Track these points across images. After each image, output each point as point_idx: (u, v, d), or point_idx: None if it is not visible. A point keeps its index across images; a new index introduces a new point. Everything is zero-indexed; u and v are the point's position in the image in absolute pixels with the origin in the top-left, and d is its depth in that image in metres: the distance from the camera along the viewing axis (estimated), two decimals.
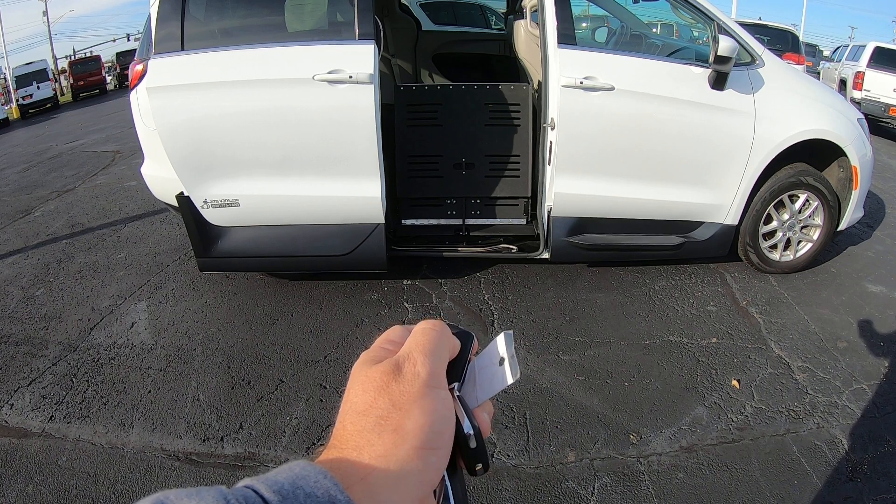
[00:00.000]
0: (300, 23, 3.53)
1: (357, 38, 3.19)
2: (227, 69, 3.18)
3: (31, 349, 3.46)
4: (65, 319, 3.75)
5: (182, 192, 3.40)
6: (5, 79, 25.58)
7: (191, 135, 3.24)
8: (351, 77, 3.12)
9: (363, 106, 3.17)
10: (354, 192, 3.37)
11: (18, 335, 3.62)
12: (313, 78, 3.13)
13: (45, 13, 33.26)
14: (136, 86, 3.71)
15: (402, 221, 3.90)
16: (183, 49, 3.21)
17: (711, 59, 3.29)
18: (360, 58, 3.15)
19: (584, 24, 6.69)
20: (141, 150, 3.89)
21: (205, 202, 3.41)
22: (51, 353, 3.40)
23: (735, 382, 2.92)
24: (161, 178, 3.89)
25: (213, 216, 3.47)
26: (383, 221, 3.46)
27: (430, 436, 0.43)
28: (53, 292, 4.16)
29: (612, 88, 3.30)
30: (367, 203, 3.39)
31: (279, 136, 3.26)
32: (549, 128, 3.42)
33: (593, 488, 2.35)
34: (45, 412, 2.91)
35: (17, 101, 23.14)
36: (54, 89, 25.24)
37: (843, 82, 12.13)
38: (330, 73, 3.13)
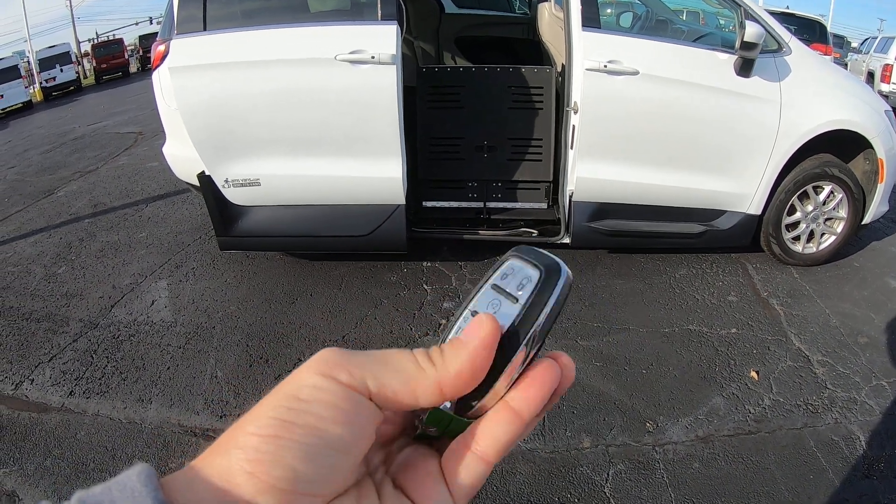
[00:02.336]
0: (322, 3, 3.53)
1: (379, 18, 3.18)
2: (249, 49, 3.19)
3: (52, 326, 3.51)
4: (86, 297, 3.80)
5: (203, 172, 3.42)
6: (29, 62, 25.83)
7: (212, 114, 3.25)
8: (373, 57, 3.11)
9: (385, 86, 3.16)
10: (375, 172, 3.36)
11: (40, 312, 3.67)
12: (335, 58, 3.12)
13: None
14: (158, 66, 3.73)
15: (423, 203, 3.90)
16: (205, 29, 3.21)
17: (737, 44, 3.24)
18: (383, 38, 3.14)
19: (608, 10, 6.61)
20: (163, 129, 3.92)
21: (226, 181, 3.42)
22: (72, 329, 3.45)
23: (754, 374, 2.89)
24: (183, 157, 3.92)
25: (233, 195, 3.48)
26: (404, 202, 3.46)
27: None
28: (75, 270, 4.21)
29: (637, 73, 3.26)
30: (388, 184, 3.39)
31: (300, 115, 3.25)
32: (572, 111, 3.39)
33: (608, 475, 2.34)
34: (64, 387, 2.95)
35: (41, 83, 23.36)
36: (77, 72, 25.44)
37: (870, 74, 11.91)
38: (352, 53, 3.12)
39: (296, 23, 3.30)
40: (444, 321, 3.33)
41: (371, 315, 3.40)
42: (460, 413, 0.36)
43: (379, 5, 3.19)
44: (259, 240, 3.65)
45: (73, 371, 3.07)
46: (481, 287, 0.37)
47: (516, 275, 0.36)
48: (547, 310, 0.34)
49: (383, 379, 0.34)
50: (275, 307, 3.52)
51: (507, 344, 0.34)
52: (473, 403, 0.35)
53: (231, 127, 3.29)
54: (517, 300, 0.35)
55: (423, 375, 0.34)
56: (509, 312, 0.34)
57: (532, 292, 0.34)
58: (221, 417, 2.67)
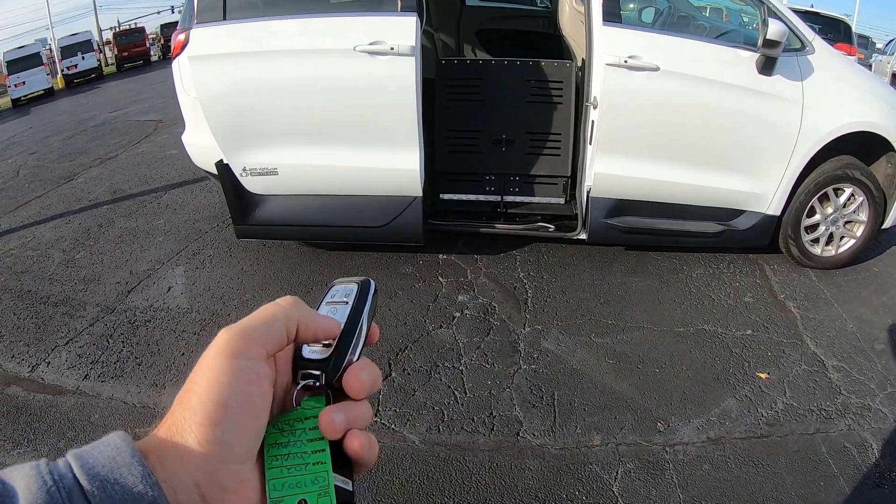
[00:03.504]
0: None
1: (399, 9, 3.18)
2: (269, 39, 3.20)
3: (69, 310, 3.56)
4: (103, 282, 3.85)
5: (221, 160, 3.44)
6: (51, 49, 26.05)
7: (231, 103, 3.27)
8: (392, 49, 3.12)
9: (404, 78, 3.17)
10: (393, 163, 3.37)
11: (58, 296, 3.72)
12: (354, 49, 3.13)
13: None
14: (178, 55, 3.75)
15: (440, 196, 3.89)
16: (225, 18, 3.23)
17: (760, 42, 3.20)
18: (402, 30, 3.14)
19: (631, 6, 6.54)
20: (182, 118, 3.94)
21: (244, 170, 3.45)
22: (88, 314, 3.49)
23: (763, 375, 2.87)
24: (201, 146, 3.93)
25: (251, 184, 3.50)
26: (421, 194, 3.46)
27: (213, 410, 0.39)
28: (93, 256, 4.26)
29: (657, 69, 3.23)
30: (406, 175, 3.39)
31: (319, 106, 3.27)
32: (592, 106, 3.37)
33: (617, 473, 2.34)
34: (80, 371, 2.99)
35: (63, 71, 23.57)
36: (99, 60, 25.62)
37: (894, 76, 11.75)
38: (371, 44, 3.12)
39: (315, 13, 3.32)
40: (458, 314, 3.34)
41: (385, 306, 3.40)
42: (330, 379, 0.46)
43: None
44: (275, 228, 3.67)
45: (89, 355, 3.11)
46: (318, 308, 0.50)
47: (341, 292, 0.51)
48: (368, 301, 0.50)
49: (271, 336, 0.43)
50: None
51: (350, 325, 0.47)
52: (338, 365, 0.46)
53: (250, 116, 3.31)
54: (347, 303, 0.49)
55: (290, 319, 0.45)
56: (345, 310, 0.49)
57: (355, 295, 0.50)
58: None
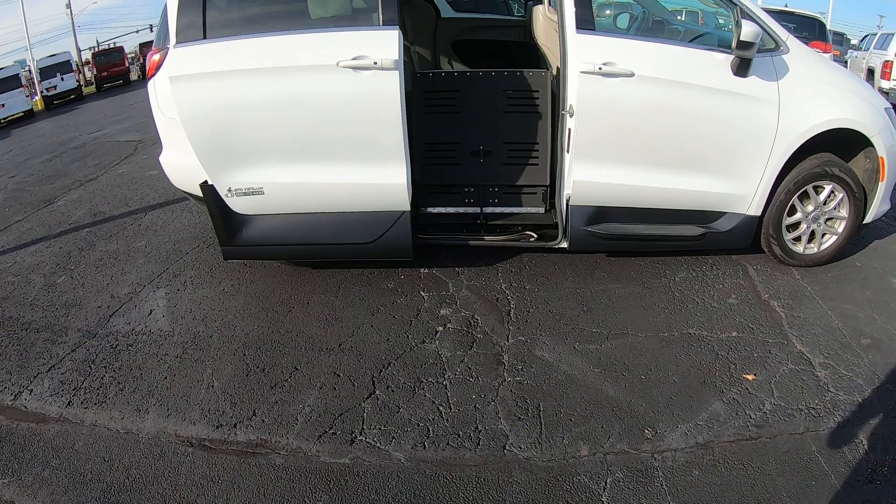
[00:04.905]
0: (323, 9, 3.51)
1: (381, 23, 3.17)
2: (250, 57, 3.18)
3: (51, 336, 3.51)
4: (85, 307, 3.80)
5: (206, 181, 3.41)
6: (30, 71, 25.94)
7: (214, 123, 3.24)
8: (375, 63, 3.11)
9: (388, 92, 3.16)
10: (380, 178, 3.35)
11: (39, 322, 3.67)
12: (337, 64, 3.12)
13: (69, 5, 33.63)
14: (153, 75, 3.71)
15: (427, 209, 3.88)
16: (205, 37, 3.21)
17: (734, 44, 3.21)
18: (385, 44, 3.13)
19: (607, 11, 6.58)
20: (159, 138, 3.91)
21: (229, 190, 3.42)
22: (70, 339, 3.45)
23: (749, 376, 2.86)
24: (179, 166, 3.90)
25: (237, 204, 3.47)
26: (409, 209, 3.44)
27: None
28: (74, 280, 4.21)
29: (632, 74, 3.23)
30: (393, 190, 3.38)
31: (303, 123, 3.24)
32: (568, 115, 3.36)
33: (606, 483, 2.32)
34: (63, 398, 2.95)
35: (42, 92, 23.46)
36: (78, 80, 25.55)
37: (870, 71, 11.90)
38: (354, 59, 3.11)
39: (297, 30, 3.28)
40: (441, 328, 3.31)
41: (368, 322, 3.38)
42: None
43: (380, 11, 3.18)
44: (263, 249, 3.64)
45: (72, 381, 3.07)
46: None
47: None
48: None
49: None
50: (272, 315, 3.51)
51: None
52: None
53: (233, 136, 3.28)
54: None
55: None
56: None
57: None
58: (218, 427, 2.66)
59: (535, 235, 3.71)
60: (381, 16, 3.18)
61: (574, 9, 3.25)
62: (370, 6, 3.28)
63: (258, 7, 3.47)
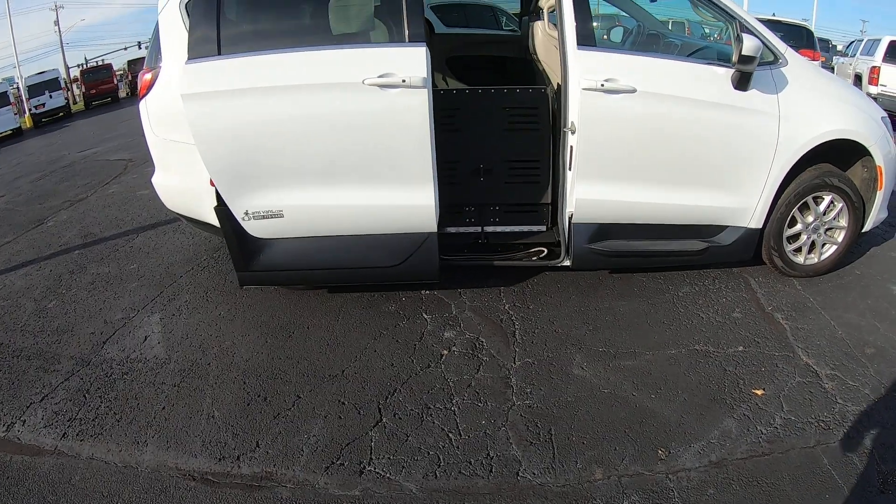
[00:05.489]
0: (345, 24, 3.39)
1: (407, 40, 3.09)
2: (269, 74, 3.06)
3: (43, 363, 3.42)
4: (77, 333, 3.72)
5: (221, 204, 3.31)
6: (18, 88, 25.88)
7: (231, 144, 3.13)
8: (404, 81, 3.01)
9: (416, 110, 3.07)
10: (406, 200, 3.26)
11: (31, 349, 3.59)
12: (363, 82, 3.02)
13: (57, 23, 33.62)
14: (145, 95, 3.67)
15: (446, 229, 3.80)
16: (220, 53, 3.09)
17: (735, 58, 3.20)
18: (412, 61, 3.04)
19: (595, 24, 6.59)
20: (151, 159, 3.85)
21: (245, 214, 3.30)
22: (63, 367, 3.36)
23: (758, 391, 2.85)
24: (172, 187, 3.86)
25: (254, 228, 3.36)
26: (436, 230, 3.36)
27: None
28: (66, 304, 4.13)
29: (634, 90, 3.21)
30: (420, 212, 3.29)
31: (327, 143, 3.14)
32: (570, 132, 3.33)
33: None
34: (57, 429, 2.87)
35: (30, 110, 23.41)
36: (66, 98, 25.55)
37: (857, 77, 12.04)
38: (381, 76, 3.02)
39: (318, 46, 3.18)
40: (445, 351, 3.26)
41: (370, 347, 3.32)
42: None
43: (406, 26, 3.09)
44: (282, 274, 3.53)
45: (66, 412, 2.98)
46: None
47: None
48: None
49: None
50: (271, 341, 3.44)
51: None
52: None
53: (251, 156, 3.16)
54: None
55: None
56: None
57: None
58: (220, 460, 2.59)
59: (546, 250, 3.69)
60: (406, 31, 3.09)
61: (575, 25, 3.23)
62: (395, 21, 3.17)
63: (276, 22, 3.36)
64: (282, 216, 3.31)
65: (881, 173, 3.72)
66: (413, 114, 3.08)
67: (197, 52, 3.09)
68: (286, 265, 3.45)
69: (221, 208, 3.31)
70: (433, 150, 3.18)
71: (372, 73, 3.02)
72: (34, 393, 3.16)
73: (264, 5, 3.33)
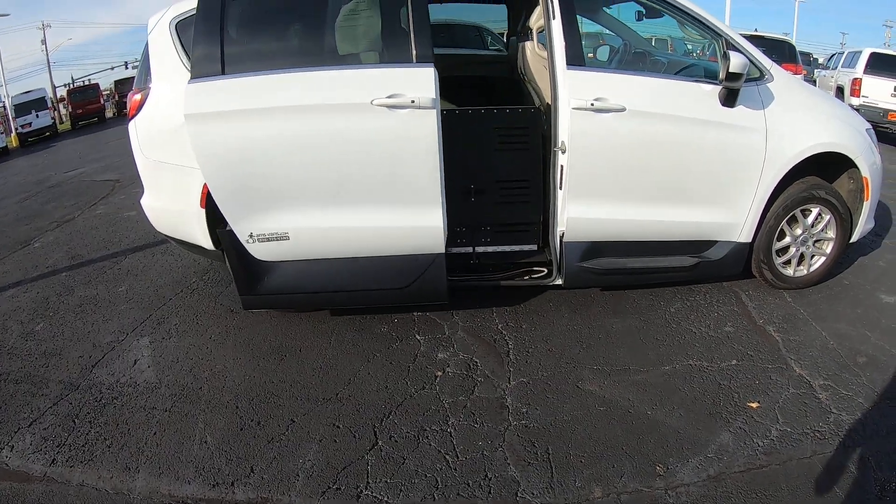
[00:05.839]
0: (352, 44, 3.38)
1: (414, 60, 3.09)
2: (275, 94, 3.04)
3: (31, 388, 3.36)
4: (65, 356, 3.66)
5: (224, 226, 3.27)
6: (4, 108, 25.79)
7: (235, 165, 3.09)
8: (413, 101, 3.01)
9: (426, 131, 3.06)
10: (415, 221, 3.25)
11: (18, 373, 3.52)
12: (372, 103, 3.01)
13: (44, 42, 33.56)
14: (134, 116, 3.65)
15: (450, 250, 3.74)
16: (224, 72, 3.06)
17: (722, 76, 3.24)
18: (421, 81, 3.04)
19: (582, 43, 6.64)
20: (140, 181, 3.82)
21: (250, 236, 3.27)
22: (51, 391, 3.30)
23: (753, 404, 2.86)
24: (161, 210, 3.82)
25: (259, 251, 3.33)
26: (444, 251, 3.35)
27: None
28: (53, 327, 4.07)
29: (624, 109, 3.24)
30: (429, 232, 3.28)
31: (334, 164, 3.12)
32: (560, 151, 3.34)
33: None
34: (47, 455, 2.81)
35: (17, 129, 23.30)
36: (53, 118, 25.48)
37: (839, 89, 12.20)
38: (389, 97, 3.01)
39: (326, 66, 3.17)
40: (440, 373, 3.24)
41: (364, 370, 3.29)
42: None
43: (413, 47, 3.09)
44: (287, 297, 3.49)
45: (56, 437, 2.92)
46: None
47: None
48: None
49: None
50: (263, 364, 3.40)
51: None
52: None
53: (256, 178, 3.13)
54: None
55: None
56: None
57: None
58: (214, 486, 2.54)
59: (545, 270, 3.69)
60: (413, 52, 3.09)
61: (564, 45, 3.25)
62: (402, 42, 3.16)
63: (281, 41, 3.36)
64: (287, 238, 3.28)
65: (867, 184, 3.78)
66: (422, 134, 3.07)
67: (200, 70, 3.08)
68: (292, 288, 3.41)
69: (225, 230, 3.28)
70: (442, 171, 3.18)
71: (381, 94, 3.01)
72: (22, 418, 3.10)
73: (269, 24, 3.33)
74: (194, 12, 3.51)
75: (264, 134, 3.05)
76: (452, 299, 3.69)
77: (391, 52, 3.27)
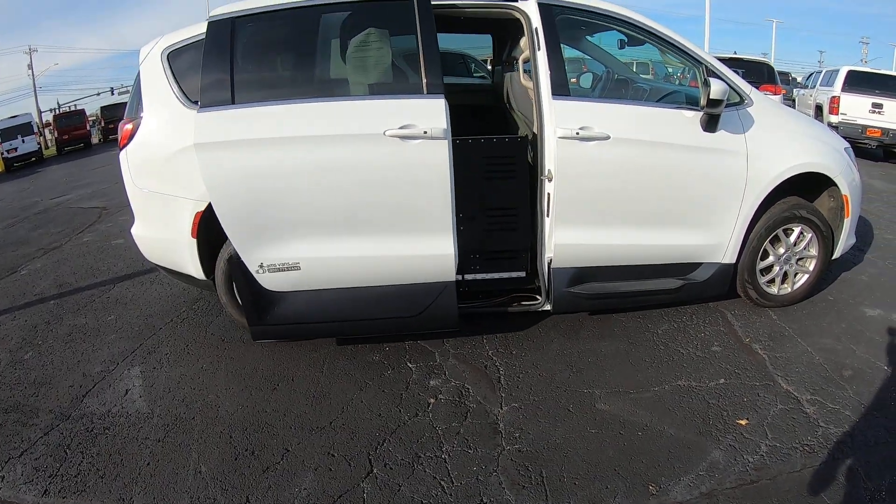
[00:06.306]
0: (363, 76, 3.40)
1: (425, 91, 3.13)
2: (286, 124, 3.06)
3: (21, 417, 3.33)
4: (55, 385, 3.64)
5: (233, 256, 3.28)
6: None
7: (246, 195, 3.10)
8: (426, 132, 3.06)
9: (437, 162, 3.11)
10: (426, 250, 3.28)
11: (7, 402, 3.49)
12: (384, 133, 3.05)
13: (30, 66, 33.45)
14: (126, 145, 3.66)
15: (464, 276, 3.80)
16: (234, 102, 3.09)
17: (703, 102, 3.33)
18: (433, 112, 3.09)
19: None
20: (131, 210, 3.83)
21: (260, 266, 3.27)
22: (42, 421, 3.28)
23: (742, 421, 2.91)
24: (151, 238, 3.83)
25: (269, 281, 3.32)
26: (454, 279, 3.38)
27: None
28: (42, 356, 4.04)
29: (608, 137, 3.30)
30: (440, 261, 3.31)
31: (346, 194, 3.14)
32: (547, 179, 3.40)
33: None
34: (39, 485, 2.78)
35: (2, 154, 23.10)
36: (39, 143, 25.34)
37: (818, 108, 12.41)
38: (402, 128, 3.05)
39: (335, 97, 3.22)
40: (432, 400, 3.25)
41: (357, 398, 3.29)
42: None
43: (424, 78, 3.14)
44: (297, 327, 3.48)
45: (47, 467, 2.89)
46: None
47: None
48: None
49: None
50: (256, 394, 3.39)
51: None
52: None
53: (268, 208, 3.14)
54: None
55: None
56: None
57: None
58: None
59: (535, 296, 3.74)
60: (424, 83, 3.13)
61: (549, 74, 3.32)
62: (413, 73, 3.22)
63: (290, 71, 3.39)
64: (299, 268, 3.28)
65: (847, 202, 3.89)
66: (434, 164, 3.12)
67: (210, 99, 3.10)
68: (302, 318, 3.40)
69: (235, 260, 3.28)
70: (453, 200, 3.22)
71: (393, 125, 3.06)
72: (12, 448, 3.06)
73: (277, 54, 3.38)
74: (186, 42, 3.58)
75: (276, 164, 3.07)
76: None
77: (402, 83, 3.35)
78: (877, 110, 10.98)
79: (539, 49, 3.37)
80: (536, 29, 3.38)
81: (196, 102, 3.41)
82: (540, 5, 3.38)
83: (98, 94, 38.66)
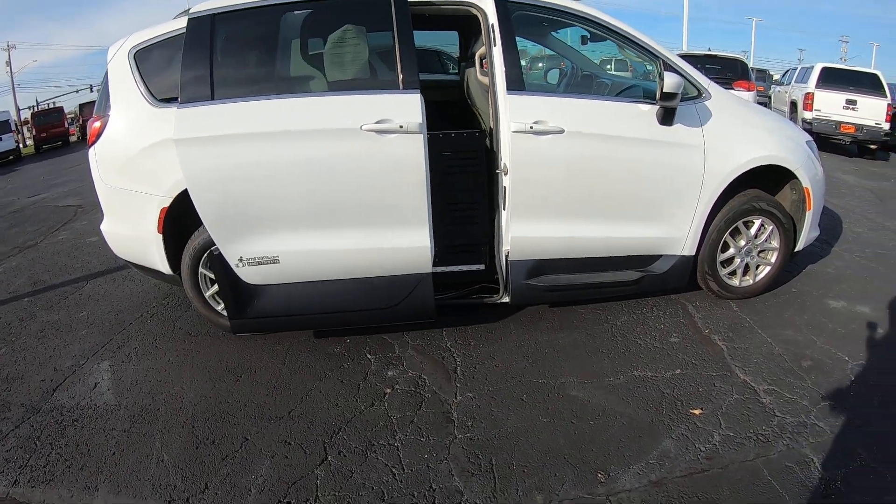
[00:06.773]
0: (340, 71, 3.44)
1: (402, 87, 3.18)
2: (265, 119, 3.11)
3: None
4: (27, 380, 3.66)
5: (213, 251, 3.32)
6: None
7: (226, 190, 3.14)
8: (402, 127, 3.11)
9: (413, 155, 3.16)
10: (403, 242, 3.33)
11: None
12: (360, 128, 3.10)
13: (9, 63, 33.10)
14: (94, 142, 3.69)
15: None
16: (213, 98, 3.13)
17: (658, 96, 3.38)
18: (409, 107, 3.14)
19: (539, 64, 6.79)
20: (100, 206, 3.85)
21: (240, 260, 3.31)
22: (13, 415, 3.31)
23: (696, 411, 2.96)
24: (121, 235, 3.85)
25: (248, 275, 3.36)
26: (430, 271, 3.42)
27: None
28: (15, 352, 4.06)
29: (562, 131, 3.36)
30: (417, 253, 3.36)
31: (325, 188, 3.19)
32: (503, 173, 3.46)
33: None
34: (8, 476, 2.83)
35: None
36: (17, 141, 25.01)
37: (793, 104, 12.54)
38: (378, 122, 3.10)
39: (315, 92, 3.27)
40: (389, 390, 3.30)
41: (316, 388, 3.34)
42: None
43: (400, 73, 3.19)
44: (276, 320, 3.52)
45: (17, 459, 2.94)
46: None
47: None
48: None
49: None
50: (219, 385, 3.43)
51: None
52: None
53: (247, 203, 3.18)
54: None
55: None
56: None
57: None
58: (170, 502, 2.59)
59: (495, 288, 3.79)
60: (401, 78, 3.18)
61: (504, 70, 3.37)
62: (390, 69, 3.26)
63: (269, 67, 3.43)
64: (278, 262, 3.33)
65: (808, 194, 3.94)
66: (410, 158, 3.17)
67: (189, 94, 3.13)
68: (281, 311, 3.45)
69: (215, 255, 3.32)
70: (429, 193, 3.27)
71: (369, 120, 3.11)
72: None
73: (257, 51, 3.41)
74: (153, 41, 3.60)
75: (254, 158, 3.11)
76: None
77: (379, 79, 3.40)
78: (850, 107, 11.13)
79: (495, 45, 3.42)
80: (493, 25, 3.42)
81: (162, 101, 3.47)
82: (496, 2, 3.42)
83: (77, 92, 38.23)
